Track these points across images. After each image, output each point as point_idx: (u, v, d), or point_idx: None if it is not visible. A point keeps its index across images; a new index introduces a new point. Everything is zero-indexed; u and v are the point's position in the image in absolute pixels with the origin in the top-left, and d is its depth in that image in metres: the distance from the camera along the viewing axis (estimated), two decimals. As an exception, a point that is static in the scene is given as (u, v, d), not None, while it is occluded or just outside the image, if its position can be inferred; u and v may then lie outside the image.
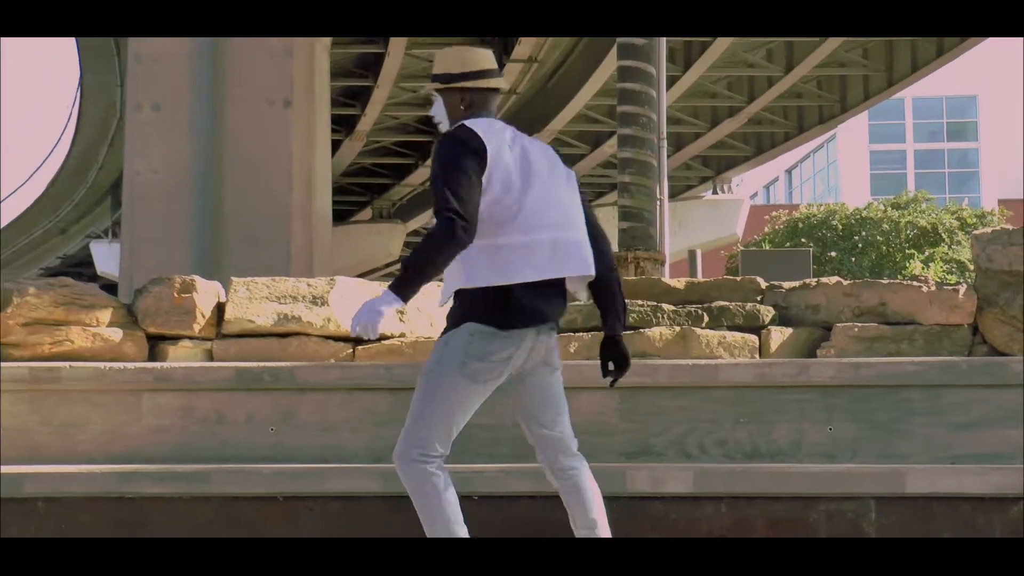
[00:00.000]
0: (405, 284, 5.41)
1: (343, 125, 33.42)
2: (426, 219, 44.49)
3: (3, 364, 8.08)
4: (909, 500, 6.56)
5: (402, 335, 8.76)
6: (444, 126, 5.67)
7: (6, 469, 7.16)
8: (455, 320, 5.54)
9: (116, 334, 8.57)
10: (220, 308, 8.73)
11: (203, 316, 8.66)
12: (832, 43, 29.74)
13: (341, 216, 39.59)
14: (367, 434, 7.75)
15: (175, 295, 8.64)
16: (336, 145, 31.27)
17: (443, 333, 5.59)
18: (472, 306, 5.49)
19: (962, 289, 8.49)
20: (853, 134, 70.16)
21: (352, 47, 28.62)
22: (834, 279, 8.92)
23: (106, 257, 46.48)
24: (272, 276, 8.95)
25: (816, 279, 9.04)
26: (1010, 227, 8.36)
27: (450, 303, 5.62)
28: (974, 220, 41.48)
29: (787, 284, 9.11)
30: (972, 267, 10.95)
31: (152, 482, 6.96)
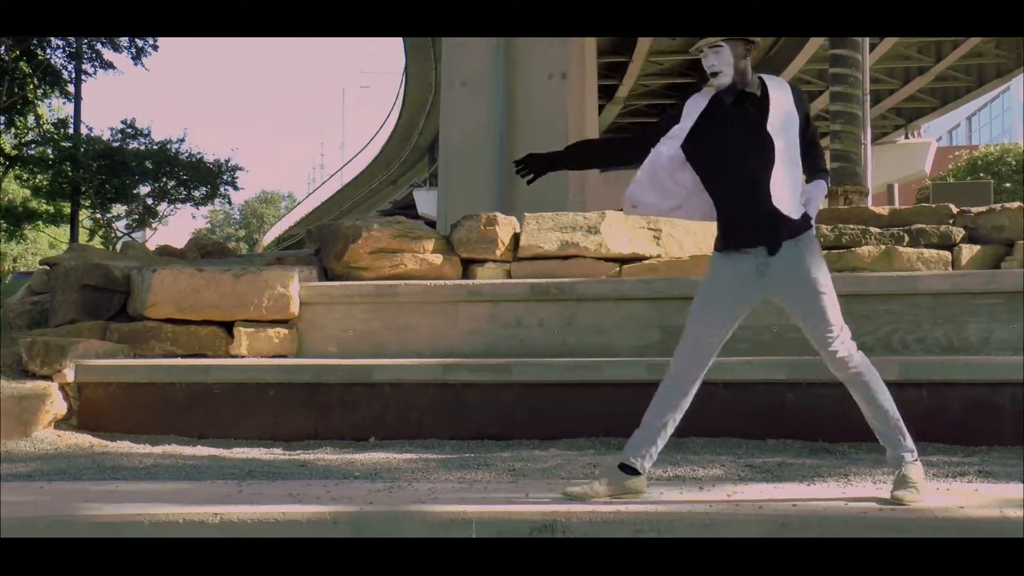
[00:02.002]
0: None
1: (605, 93, 33.24)
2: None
3: (355, 283, 8.30)
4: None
5: (658, 256, 8.67)
6: (726, 76, 4.68)
7: (360, 361, 7.37)
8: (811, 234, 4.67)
9: (437, 259, 8.70)
10: (516, 237, 8.79)
11: (503, 244, 8.73)
12: (1008, 10, 28.25)
13: (605, 165, 39.44)
14: (632, 334, 7.72)
15: (481, 228, 8.73)
16: (600, 108, 31.11)
17: (801, 240, 4.63)
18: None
19: None
20: (1027, 85, 66.75)
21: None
22: (1016, 204, 8.47)
23: (425, 200, 47.32)
24: (555, 212, 8.97)
25: (1000, 204, 8.61)
26: None
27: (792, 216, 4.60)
28: None
29: (975, 209, 8.71)
30: None
31: (468, 372, 7.04)
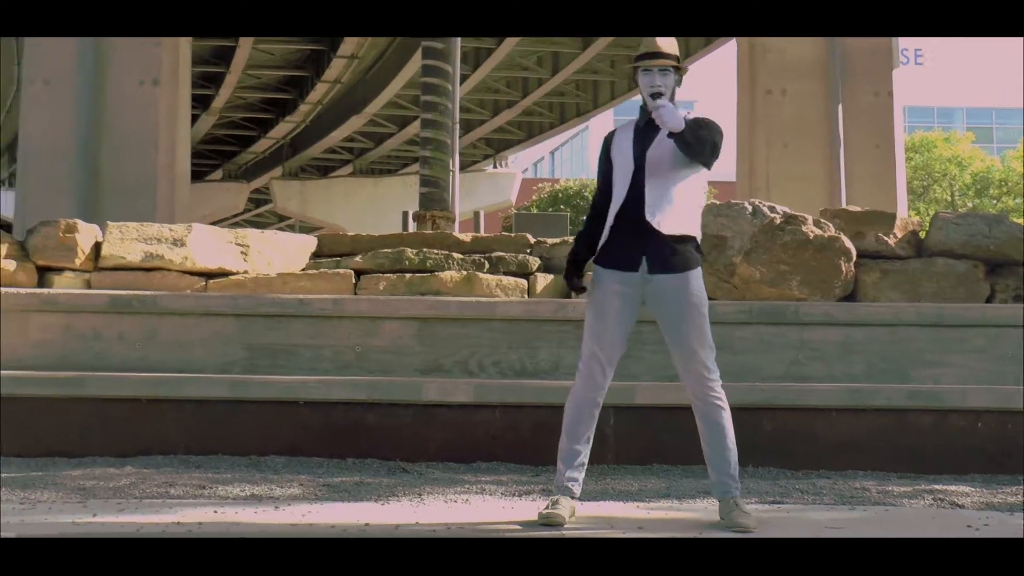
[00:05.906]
0: (691, 128, 4.72)
1: (201, 103, 32.53)
2: (265, 180, 43.71)
3: (-87, 288, 7.68)
4: (637, 409, 6.67)
5: (245, 272, 8.58)
6: (666, 99, 4.76)
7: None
8: (691, 261, 4.86)
9: (11, 265, 8.22)
10: (98, 246, 8.45)
11: (83, 252, 8.37)
12: (588, 55, 29.99)
13: (197, 176, 38.55)
14: (216, 351, 7.58)
15: (60, 234, 8.33)
16: (195, 118, 30.42)
17: (678, 270, 4.83)
18: (698, 253, 4.91)
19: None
20: (602, 125, 71.09)
21: (209, 41, 27.87)
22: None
23: (5, 202, 44.62)
24: (141, 222, 8.69)
25: (573, 236, 9.12)
26: (718, 203, 8.53)
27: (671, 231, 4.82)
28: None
29: (550, 240, 9.18)
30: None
31: (35, 386, 6.69)
